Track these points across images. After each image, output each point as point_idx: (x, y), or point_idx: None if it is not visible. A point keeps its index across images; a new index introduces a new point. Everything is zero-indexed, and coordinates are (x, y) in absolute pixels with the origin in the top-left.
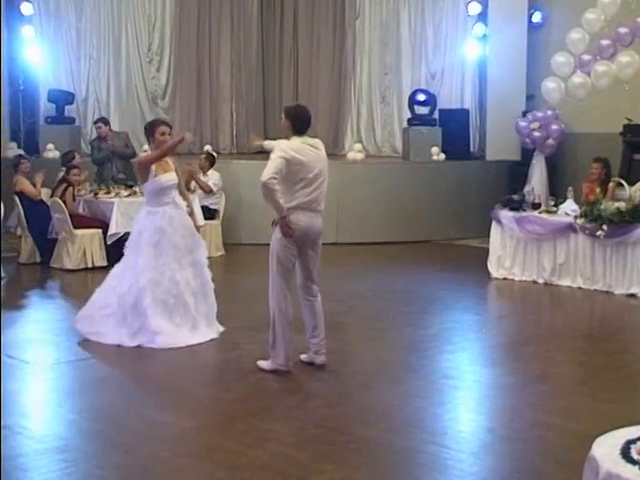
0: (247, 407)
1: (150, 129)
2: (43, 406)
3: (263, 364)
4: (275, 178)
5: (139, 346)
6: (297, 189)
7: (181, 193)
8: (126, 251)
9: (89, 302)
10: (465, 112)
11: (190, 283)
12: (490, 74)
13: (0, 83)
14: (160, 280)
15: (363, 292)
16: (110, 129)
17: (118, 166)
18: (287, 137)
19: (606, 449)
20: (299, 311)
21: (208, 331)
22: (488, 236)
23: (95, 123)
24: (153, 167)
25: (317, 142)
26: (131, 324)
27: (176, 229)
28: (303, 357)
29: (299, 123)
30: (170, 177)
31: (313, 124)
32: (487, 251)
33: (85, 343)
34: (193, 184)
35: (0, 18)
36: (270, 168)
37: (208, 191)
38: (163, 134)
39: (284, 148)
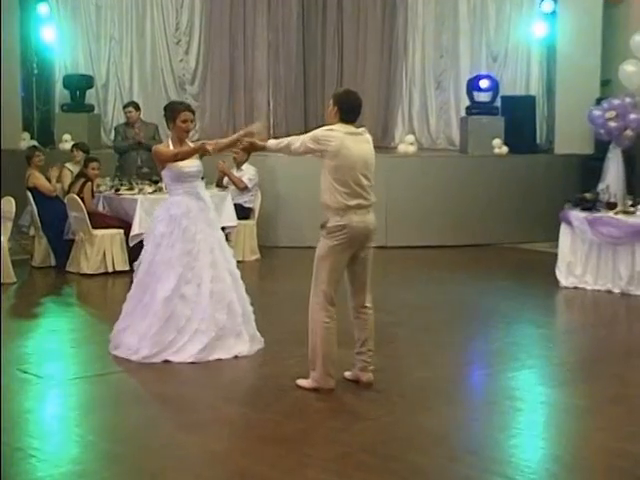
0: (284, 429)
1: (171, 113)
2: (58, 426)
3: (303, 382)
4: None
5: (164, 360)
6: (339, 187)
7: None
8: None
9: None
10: (531, 99)
11: (210, 287)
12: (560, 56)
13: None
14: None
15: (415, 302)
16: (140, 117)
17: (143, 158)
18: (331, 124)
19: None
20: (344, 323)
21: (238, 344)
22: (557, 240)
23: (126, 107)
24: (172, 150)
25: (364, 132)
26: (154, 336)
27: (193, 222)
28: (348, 374)
29: (348, 110)
30: (192, 163)
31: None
32: (555, 256)
33: (105, 357)
34: (225, 180)
35: None
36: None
37: (242, 187)
38: (185, 121)
39: (318, 137)
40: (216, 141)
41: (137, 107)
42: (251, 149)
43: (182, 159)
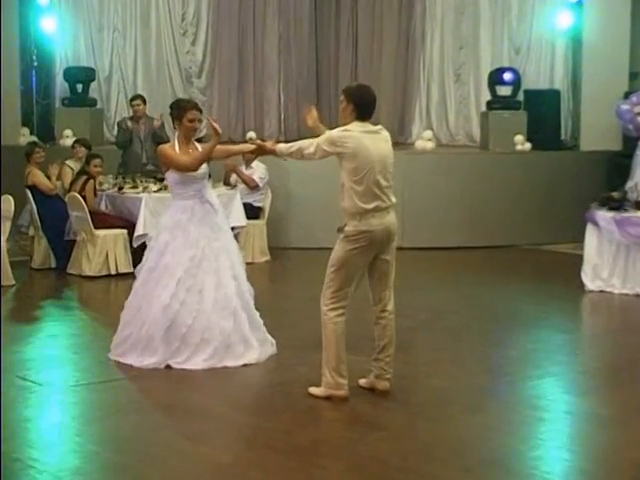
0: (296, 439)
1: (177, 112)
2: (58, 435)
3: (315, 390)
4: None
5: (169, 367)
6: (358, 188)
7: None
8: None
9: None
10: (555, 93)
11: (213, 294)
12: (586, 48)
13: None
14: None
15: (433, 306)
16: (146, 112)
17: (148, 155)
18: (346, 123)
19: None
20: (358, 328)
21: (247, 352)
22: (582, 241)
23: (133, 100)
24: (177, 153)
25: (381, 130)
26: (157, 346)
27: (197, 227)
28: (363, 382)
29: (364, 107)
30: None
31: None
32: (581, 259)
33: (107, 363)
34: (234, 178)
35: None
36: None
37: (253, 186)
38: (192, 121)
39: (334, 139)
40: (227, 147)
41: (144, 101)
42: (260, 153)
43: (195, 170)
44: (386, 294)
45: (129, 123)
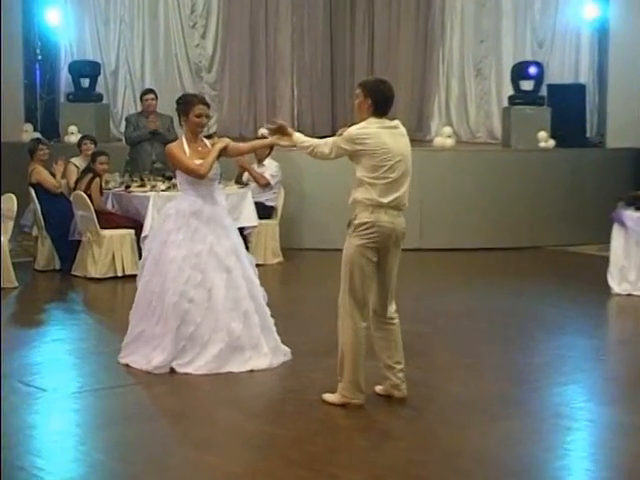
0: (310, 448)
1: (184, 106)
2: (64, 443)
3: (330, 397)
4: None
5: (178, 372)
6: (376, 184)
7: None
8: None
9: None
10: (580, 88)
11: (223, 293)
12: (612, 41)
13: None
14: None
15: (453, 310)
16: (156, 108)
17: (157, 152)
18: (362, 119)
19: None
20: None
21: (255, 358)
22: (608, 242)
23: (145, 94)
24: (187, 152)
25: (398, 125)
26: (167, 345)
27: (205, 224)
28: (379, 389)
29: (382, 102)
30: None
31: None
32: (607, 260)
33: (113, 368)
34: (246, 176)
35: None
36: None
37: (264, 184)
38: (199, 116)
39: (353, 136)
40: (241, 145)
41: (157, 95)
42: (277, 142)
43: (204, 176)
44: (389, 299)
45: (138, 119)
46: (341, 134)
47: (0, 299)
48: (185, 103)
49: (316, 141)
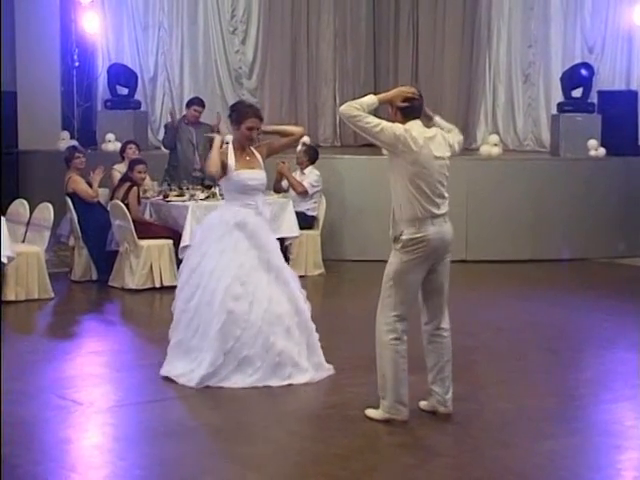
0: (352, 465)
1: (237, 116)
2: (100, 459)
3: (372, 413)
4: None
5: (217, 386)
6: (420, 197)
7: None
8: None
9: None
10: (632, 95)
11: (265, 306)
12: None
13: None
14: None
15: (499, 323)
16: (199, 119)
17: (198, 160)
18: (396, 121)
19: None
20: (419, 346)
21: (295, 375)
22: None
23: (193, 104)
24: (232, 160)
25: (436, 134)
26: (207, 360)
27: (248, 236)
28: (423, 405)
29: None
30: (254, 175)
31: (438, 109)
32: None
33: (152, 381)
34: (285, 183)
35: None
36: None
37: (300, 191)
38: (251, 129)
39: (398, 136)
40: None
41: (204, 105)
42: None
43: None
44: (441, 310)
45: (179, 125)
46: None
47: (0, 309)
48: (238, 113)
49: (369, 116)
